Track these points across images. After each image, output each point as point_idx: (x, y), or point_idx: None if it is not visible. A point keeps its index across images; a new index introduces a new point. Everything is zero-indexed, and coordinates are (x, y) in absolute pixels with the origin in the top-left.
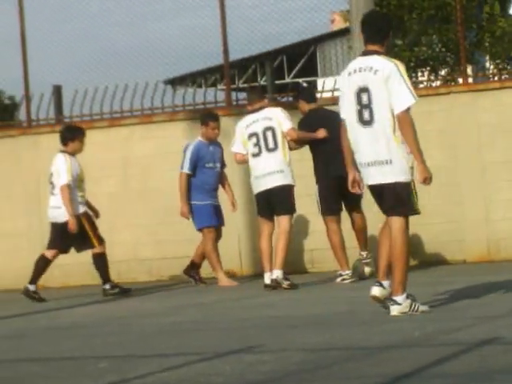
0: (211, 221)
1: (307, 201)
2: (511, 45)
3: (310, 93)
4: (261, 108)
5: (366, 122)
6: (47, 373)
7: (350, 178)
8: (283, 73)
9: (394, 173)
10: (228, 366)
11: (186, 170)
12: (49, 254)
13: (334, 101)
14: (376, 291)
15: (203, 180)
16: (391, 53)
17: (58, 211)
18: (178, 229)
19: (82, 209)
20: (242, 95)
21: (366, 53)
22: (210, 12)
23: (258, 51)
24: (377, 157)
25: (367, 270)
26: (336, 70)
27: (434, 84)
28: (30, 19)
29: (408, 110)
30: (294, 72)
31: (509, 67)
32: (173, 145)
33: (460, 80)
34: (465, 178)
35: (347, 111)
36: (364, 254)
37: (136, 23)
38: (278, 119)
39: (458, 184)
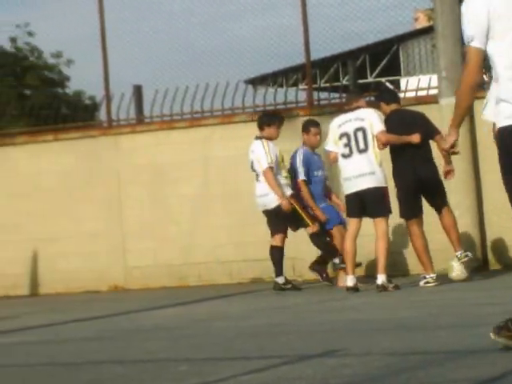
0: (339, 218)
1: None
2: None
3: (389, 93)
4: (356, 108)
5: None
6: (129, 375)
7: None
8: (366, 72)
9: None
10: (310, 370)
11: (303, 176)
12: (277, 241)
13: (418, 100)
14: None
15: (313, 188)
16: None
17: (267, 198)
18: (259, 230)
19: (288, 191)
20: (324, 95)
21: None
22: (291, 11)
23: (339, 50)
24: None
25: (462, 271)
26: (419, 69)
27: None
28: (110, 18)
29: None
30: (376, 71)
31: None
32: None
33: None
34: None
35: None
36: (459, 253)
37: (217, 22)
38: (370, 120)
39: None
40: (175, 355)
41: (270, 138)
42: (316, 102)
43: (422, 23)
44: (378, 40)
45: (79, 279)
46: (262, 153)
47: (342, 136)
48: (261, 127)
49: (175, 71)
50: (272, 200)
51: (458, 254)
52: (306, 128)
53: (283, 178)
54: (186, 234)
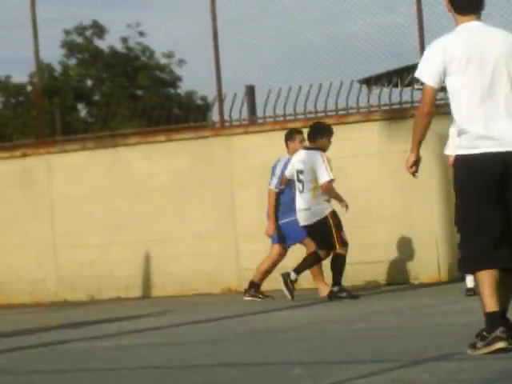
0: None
1: None
2: None
3: None
4: None
5: None
6: (242, 378)
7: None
8: None
9: None
10: (426, 374)
11: (274, 187)
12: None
13: None
14: None
15: (292, 198)
16: None
17: (308, 212)
18: (373, 232)
19: (329, 207)
20: (440, 95)
21: None
22: (405, 9)
23: None
24: None
25: None
26: None
27: None
28: (222, 18)
29: None
30: None
31: None
32: (369, 146)
33: None
34: None
35: None
36: None
37: (330, 21)
38: None
39: None
40: (289, 358)
41: (323, 150)
42: None
43: None
44: None
45: (192, 281)
46: (321, 165)
47: None
48: (314, 138)
49: (288, 71)
50: (314, 214)
51: None
52: (290, 136)
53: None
54: None
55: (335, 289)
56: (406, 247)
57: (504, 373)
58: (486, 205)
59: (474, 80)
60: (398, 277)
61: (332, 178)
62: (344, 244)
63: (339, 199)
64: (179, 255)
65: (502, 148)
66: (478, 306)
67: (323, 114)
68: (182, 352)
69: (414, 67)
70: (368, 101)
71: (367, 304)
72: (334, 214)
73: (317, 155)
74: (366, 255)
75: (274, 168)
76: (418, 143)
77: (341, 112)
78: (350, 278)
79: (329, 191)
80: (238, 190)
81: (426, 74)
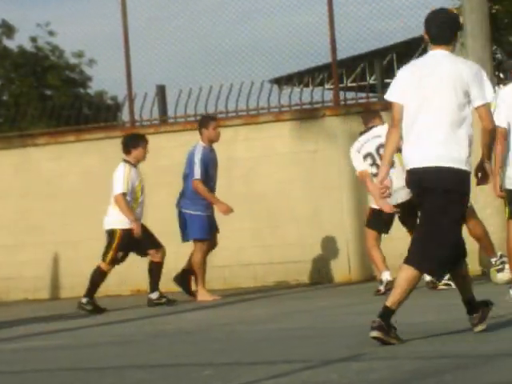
0: (205, 234)
1: None
2: None
3: None
4: (371, 128)
5: None
6: (152, 380)
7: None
8: (393, 71)
9: None
10: (335, 374)
11: (199, 176)
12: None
13: None
14: None
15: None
16: (505, 51)
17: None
18: (284, 233)
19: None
20: (351, 95)
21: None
22: (317, 9)
23: (366, 49)
24: None
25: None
26: None
27: None
28: (133, 18)
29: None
30: None
31: None
32: (279, 146)
33: None
34: None
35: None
36: (493, 260)
37: (242, 21)
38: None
39: None
40: (199, 359)
41: (136, 160)
42: (342, 102)
43: None
44: (406, 39)
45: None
46: (120, 177)
47: (365, 157)
48: (127, 151)
49: (199, 71)
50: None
51: (493, 260)
52: (204, 123)
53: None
54: None
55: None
56: (317, 247)
57: (414, 373)
58: None
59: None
60: (309, 277)
61: (123, 191)
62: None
63: (127, 215)
64: (90, 256)
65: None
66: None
67: (234, 114)
68: (91, 354)
69: (325, 67)
70: (279, 101)
71: (279, 304)
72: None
73: (120, 168)
74: (277, 255)
75: (190, 157)
76: (389, 159)
77: (251, 112)
78: (261, 278)
79: (119, 205)
80: (148, 191)
81: (393, 93)
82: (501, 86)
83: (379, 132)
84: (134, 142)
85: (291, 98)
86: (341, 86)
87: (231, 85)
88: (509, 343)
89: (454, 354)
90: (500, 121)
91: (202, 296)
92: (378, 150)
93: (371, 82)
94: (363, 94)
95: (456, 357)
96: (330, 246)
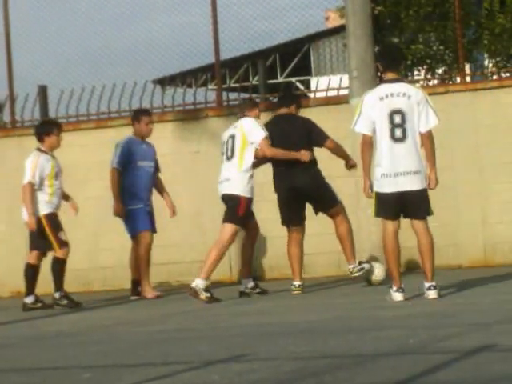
0: (146, 225)
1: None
2: (511, 42)
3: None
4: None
5: (398, 139)
6: (30, 383)
7: (368, 184)
8: (276, 72)
9: (422, 181)
10: (216, 375)
11: (115, 165)
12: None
13: (328, 101)
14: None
15: (135, 181)
16: None
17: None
18: (167, 233)
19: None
20: (234, 95)
21: (392, 80)
22: (200, 10)
23: (250, 50)
24: (409, 168)
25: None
26: (330, 69)
27: (431, 83)
28: (15, 18)
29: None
30: (287, 71)
31: (508, 65)
32: (162, 146)
33: (458, 79)
34: (462, 179)
35: (375, 129)
36: (351, 266)
37: (125, 21)
38: (242, 128)
39: (455, 186)
40: (79, 362)
41: (50, 148)
42: (225, 103)
43: (333, 23)
44: (289, 39)
45: None
46: (27, 167)
47: (222, 144)
48: (40, 139)
49: (81, 71)
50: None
51: (351, 267)
52: (136, 117)
53: (47, 195)
54: (91, 237)
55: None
56: (199, 248)
57: (293, 373)
58: None
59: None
60: (191, 278)
61: (29, 180)
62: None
63: (28, 207)
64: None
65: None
66: (270, 306)
67: (117, 115)
68: None
69: (208, 67)
70: (162, 101)
71: (161, 306)
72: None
73: (31, 156)
74: (160, 256)
75: (116, 147)
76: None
77: None
78: None
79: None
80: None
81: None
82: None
83: (239, 123)
84: (46, 129)
85: (174, 99)
86: (224, 86)
87: (114, 85)
88: (387, 343)
89: (335, 353)
90: (361, 127)
91: (149, 292)
92: (228, 140)
93: (254, 82)
94: (246, 95)
95: (336, 357)
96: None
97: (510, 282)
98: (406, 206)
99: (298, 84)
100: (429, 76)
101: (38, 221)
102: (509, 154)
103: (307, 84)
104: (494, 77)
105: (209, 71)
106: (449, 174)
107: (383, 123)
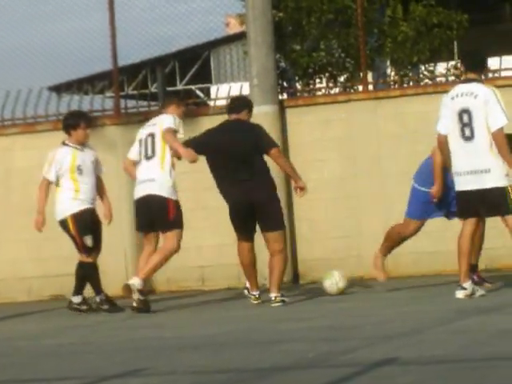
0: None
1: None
2: (413, 50)
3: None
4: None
5: (468, 138)
6: None
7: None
8: (175, 79)
9: (494, 179)
10: None
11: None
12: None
13: None
14: (459, 294)
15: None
16: (289, 59)
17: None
18: (60, 245)
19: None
20: (132, 103)
21: (467, 80)
22: (98, 14)
23: (148, 56)
24: (478, 166)
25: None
26: (231, 77)
27: (332, 91)
28: None
29: (501, 128)
30: (186, 78)
31: (410, 74)
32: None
33: (360, 87)
34: (364, 189)
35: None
36: (272, 295)
37: (19, 25)
38: (161, 125)
39: (357, 196)
40: None
41: (78, 142)
42: (123, 110)
43: (234, 29)
44: (189, 46)
45: None
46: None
47: (139, 143)
48: (67, 132)
49: None
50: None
51: (272, 296)
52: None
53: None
54: None
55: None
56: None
57: None
58: None
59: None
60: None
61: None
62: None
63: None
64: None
65: None
66: (169, 319)
67: (10, 123)
68: None
69: (105, 74)
70: (58, 109)
71: (54, 319)
72: None
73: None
74: (53, 268)
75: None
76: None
77: (29, 120)
78: (36, 292)
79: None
80: None
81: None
82: (284, 94)
83: (157, 121)
84: (72, 122)
85: (70, 106)
86: (122, 94)
87: (8, 92)
88: (287, 357)
89: (234, 367)
90: (439, 127)
91: None
92: (146, 138)
93: (153, 90)
94: (145, 103)
95: (235, 371)
96: (108, 258)
97: (411, 293)
98: (484, 204)
99: (197, 91)
100: (331, 84)
101: (65, 221)
102: (411, 163)
103: (207, 92)
104: (396, 85)
105: (106, 78)
106: (351, 183)
107: (454, 122)
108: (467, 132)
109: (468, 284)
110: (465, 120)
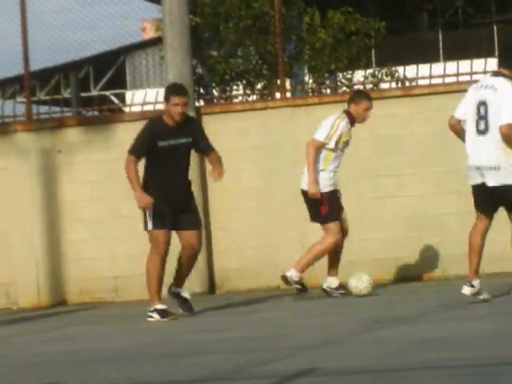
0: None
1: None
2: (331, 58)
3: None
4: None
5: (481, 131)
6: None
7: None
8: (89, 85)
9: (503, 176)
10: None
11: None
12: None
13: (144, 115)
14: (466, 290)
15: None
16: (206, 65)
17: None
18: None
19: None
20: (44, 108)
21: (494, 74)
22: (9, 17)
23: (62, 60)
24: (487, 162)
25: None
26: (147, 82)
27: (250, 98)
28: None
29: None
30: (101, 84)
31: (328, 82)
32: None
33: (278, 95)
34: (281, 198)
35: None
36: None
37: None
38: None
39: (274, 205)
40: None
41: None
42: (35, 116)
43: (150, 34)
44: (103, 51)
45: None
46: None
47: None
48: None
49: None
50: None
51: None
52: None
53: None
54: None
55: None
56: (5, 269)
57: None
58: None
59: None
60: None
61: None
62: None
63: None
64: None
65: None
66: (83, 331)
67: None
68: None
69: (16, 79)
70: None
71: None
72: None
73: None
74: None
75: None
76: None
77: None
78: None
79: None
80: None
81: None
82: (201, 101)
83: None
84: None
85: None
86: (33, 99)
87: None
88: (203, 368)
89: (148, 380)
90: (456, 110)
91: None
92: None
93: (66, 95)
94: (58, 109)
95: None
96: (19, 268)
97: (329, 303)
98: (496, 200)
99: (112, 97)
100: (248, 91)
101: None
102: None
103: (122, 97)
104: (314, 93)
105: (17, 83)
106: (266, 193)
107: (471, 113)
108: (482, 125)
109: (477, 282)
110: (481, 112)
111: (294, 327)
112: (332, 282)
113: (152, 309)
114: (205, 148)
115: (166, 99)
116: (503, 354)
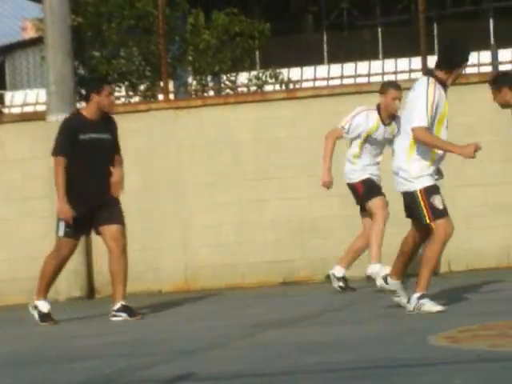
0: None
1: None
2: (215, 59)
3: None
4: None
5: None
6: None
7: None
8: None
9: (404, 183)
10: None
11: None
12: None
13: (24, 117)
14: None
15: None
16: (88, 66)
17: None
18: None
19: None
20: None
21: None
22: None
23: None
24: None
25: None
26: (27, 83)
27: (132, 100)
28: None
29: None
30: None
31: (212, 83)
32: None
33: (161, 96)
34: (163, 201)
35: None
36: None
37: None
38: None
39: (156, 208)
40: None
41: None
42: None
43: (31, 33)
44: None
45: None
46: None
47: None
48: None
49: None
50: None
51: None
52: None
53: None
54: None
55: None
56: None
57: None
58: None
59: None
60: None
61: None
62: None
63: None
64: None
65: None
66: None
67: None
68: None
69: None
70: None
71: None
72: None
73: None
74: None
75: None
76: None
77: None
78: None
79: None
80: None
81: None
82: (82, 103)
83: None
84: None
85: None
86: None
87: None
88: (82, 374)
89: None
90: None
91: None
92: None
93: None
94: None
95: None
96: None
97: (210, 307)
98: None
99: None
100: (131, 93)
101: None
102: (211, 175)
103: (1, 99)
104: (198, 95)
105: None
106: (149, 196)
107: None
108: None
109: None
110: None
111: (178, 332)
112: (339, 271)
113: (34, 304)
114: (117, 149)
115: (97, 91)
116: (376, 357)
